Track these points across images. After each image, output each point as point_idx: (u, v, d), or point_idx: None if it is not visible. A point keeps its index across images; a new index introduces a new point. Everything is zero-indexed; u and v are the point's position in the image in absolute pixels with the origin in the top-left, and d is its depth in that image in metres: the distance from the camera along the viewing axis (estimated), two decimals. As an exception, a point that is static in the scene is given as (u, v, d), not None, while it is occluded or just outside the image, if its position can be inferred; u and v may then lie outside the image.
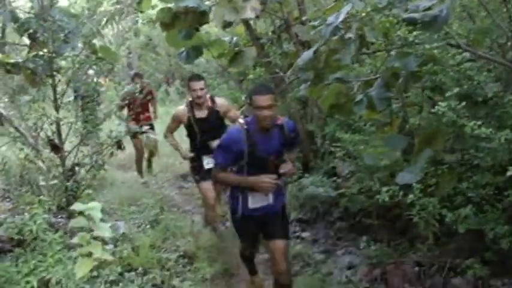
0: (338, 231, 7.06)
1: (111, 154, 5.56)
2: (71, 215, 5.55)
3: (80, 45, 5.06)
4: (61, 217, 6.59)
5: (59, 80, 5.23)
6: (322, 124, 8.66)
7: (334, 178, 7.41)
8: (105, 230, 2.82)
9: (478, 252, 5.05)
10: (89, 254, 2.81)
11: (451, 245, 5.44)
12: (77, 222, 2.79)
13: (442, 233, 5.36)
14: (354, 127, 7.07)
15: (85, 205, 2.77)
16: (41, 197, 5.33)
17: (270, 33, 8.74)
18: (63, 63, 5.12)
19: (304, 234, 7.22)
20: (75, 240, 2.82)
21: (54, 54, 4.96)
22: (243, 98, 11.03)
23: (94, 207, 2.75)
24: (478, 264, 4.87)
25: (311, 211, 7.60)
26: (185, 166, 9.79)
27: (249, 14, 6.63)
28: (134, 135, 8.43)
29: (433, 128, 4.53)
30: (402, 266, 5.52)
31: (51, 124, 5.28)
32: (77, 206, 2.77)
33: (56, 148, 5.29)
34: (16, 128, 5.10)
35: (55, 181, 5.13)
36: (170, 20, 6.73)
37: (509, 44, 4.56)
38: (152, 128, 9.53)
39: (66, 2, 11.80)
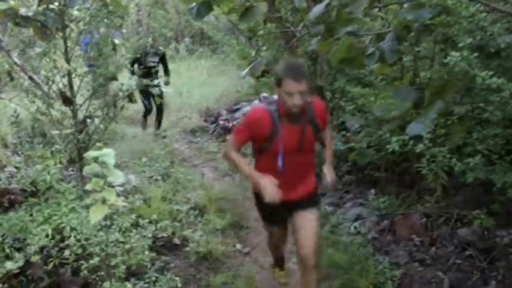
0: (346, 185, 7.12)
1: (123, 107, 5.58)
2: (83, 167, 5.62)
3: (89, -4, 5.02)
4: (72, 170, 6.69)
5: (70, 33, 5.21)
6: (332, 80, 8.65)
7: (344, 132, 7.44)
8: (118, 176, 2.87)
9: (485, 204, 5.13)
10: (103, 200, 2.86)
11: (458, 197, 5.52)
12: (91, 168, 2.83)
13: (449, 185, 5.42)
14: (364, 81, 7.06)
15: (99, 152, 2.81)
16: (53, 148, 5.39)
17: (281, -12, 8.67)
18: (75, 13, 5.08)
19: (313, 188, 7.26)
20: (88, 186, 2.86)
21: (65, 7, 4.94)
22: (253, 54, 11.00)
23: (108, 154, 2.79)
24: (485, 215, 4.94)
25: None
26: (195, 121, 9.87)
27: (260, -33, 6.57)
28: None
29: (444, 80, 4.53)
30: (410, 218, 5.59)
31: (63, 77, 5.28)
32: (90, 153, 2.81)
33: (68, 100, 5.30)
34: (30, 77, 5.11)
35: (68, 131, 5.15)
36: (182, -24, 6.68)
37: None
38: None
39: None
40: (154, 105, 10.05)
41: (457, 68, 3.82)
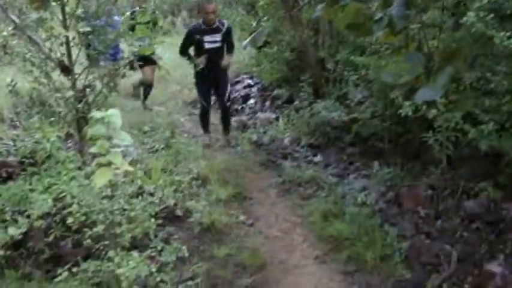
0: (350, 156, 7.03)
1: (124, 75, 5.44)
2: (82, 139, 5.50)
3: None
4: (70, 142, 6.56)
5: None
6: (334, 51, 8.55)
7: (347, 102, 7.35)
8: (125, 138, 2.77)
9: (491, 176, 5.04)
10: (108, 164, 2.76)
11: (464, 169, 5.42)
12: (96, 130, 2.72)
13: (455, 156, 5.33)
14: (369, 51, 6.96)
15: (104, 112, 2.70)
16: (52, 119, 5.27)
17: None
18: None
19: (316, 159, 7.20)
20: (93, 149, 2.75)
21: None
22: (253, 25, 10.87)
23: (114, 114, 2.68)
24: (491, 187, 4.86)
25: (322, 136, 7.56)
26: (195, 92, 9.76)
27: None
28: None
29: (454, 45, 4.43)
30: (415, 189, 5.51)
31: (61, 45, 5.14)
32: (95, 113, 2.70)
33: (66, 70, 5.16)
34: (29, 37, 4.95)
35: (70, 93, 5.01)
36: None
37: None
38: None
39: None
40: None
41: (474, 29, 3.70)
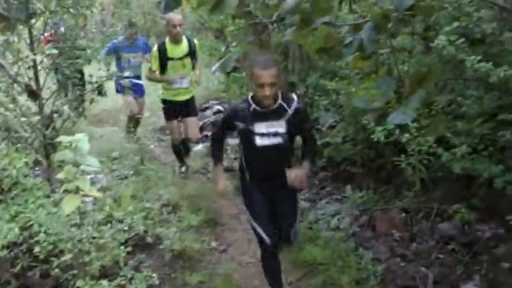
0: (322, 181, 7.00)
1: (92, 101, 5.35)
2: (50, 166, 5.38)
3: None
4: (38, 169, 6.42)
5: (35, 22, 4.98)
6: (305, 75, 8.56)
7: (318, 127, 7.34)
8: (93, 163, 2.68)
9: (465, 198, 5.07)
10: (76, 190, 2.66)
11: (438, 192, 5.44)
12: (63, 155, 2.63)
13: (428, 179, 5.34)
14: (339, 76, 6.98)
15: (71, 137, 2.61)
16: (19, 145, 5.15)
17: (251, -18, 8.53)
18: (39, 5, 4.85)
19: (288, 184, 7.13)
20: (60, 175, 2.66)
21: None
22: (223, 50, 10.87)
23: (81, 139, 2.60)
24: (465, 209, 4.87)
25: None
26: (163, 120, 9.68)
27: (232, -42, 6.42)
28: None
29: (424, 69, 4.44)
30: (389, 213, 5.50)
31: (28, 69, 5.04)
32: (63, 138, 2.61)
33: (34, 94, 5.06)
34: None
35: (36, 118, 4.90)
36: (150, -35, 6.50)
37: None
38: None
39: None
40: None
41: (445, 53, 3.72)
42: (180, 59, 7.18)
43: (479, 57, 3.64)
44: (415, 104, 4.21)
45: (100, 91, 5.43)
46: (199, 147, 8.68)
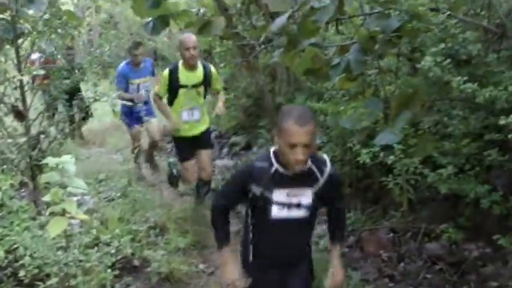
0: (310, 202, 6.97)
1: (83, 119, 5.35)
2: (36, 188, 5.35)
3: (44, 1, 4.77)
4: (23, 191, 6.37)
5: (23, 42, 4.97)
6: (291, 97, 8.59)
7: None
8: (80, 185, 2.66)
9: (452, 218, 5.08)
10: (63, 212, 2.64)
11: (425, 212, 5.45)
12: (49, 176, 2.61)
13: (415, 199, 5.35)
14: (325, 97, 7.01)
15: (58, 158, 2.60)
16: (5, 166, 5.11)
17: (239, 4, 8.59)
18: (26, 25, 4.85)
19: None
20: (47, 197, 2.64)
21: (17, 16, 4.70)
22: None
23: (68, 161, 2.58)
24: (452, 229, 4.87)
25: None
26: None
27: (220, -21, 6.48)
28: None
29: (411, 90, 4.48)
30: (377, 233, 5.50)
31: (15, 89, 5.03)
32: (49, 159, 2.59)
33: (20, 115, 5.05)
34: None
35: (22, 139, 4.88)
36: (137, -13, 6.52)
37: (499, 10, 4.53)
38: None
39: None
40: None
41: (431, 74, 3.75)
42: (194, 87, 6.29)
43: (465, 78, 3.68)
44: (401, 124, 4.24)
45: (87, 112, 5.41)
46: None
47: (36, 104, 5.30)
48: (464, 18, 4.39)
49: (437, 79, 3.90)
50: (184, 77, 6.22)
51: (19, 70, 4.94)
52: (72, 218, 2.68)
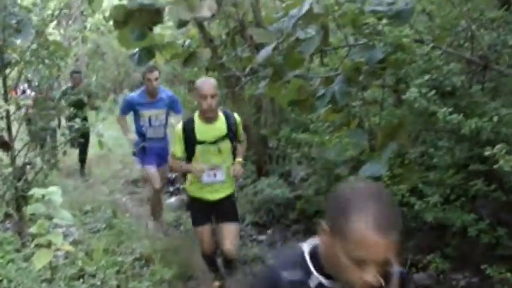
0: (295, 234, 6.96)
1: (65, 153, 5.33)
2: (22, 219, 5.31)
3: (32, 32, 4.77)
4: (9, 223, 6.32)
5: (10, 72, 4.98)
6: (277, 129, 8.63)
7: (291, 179, 7.36)
8: (66, 217, 2.65)
9: (438, 248, 5.09)
10: (49, 244, 2.62)
11: (411, 242, 5.45)
12: (36, 208, 2.60)
13: (402, 230, 5.35)
14: (310, 129, 7.05)
15: (44, 189, 2.59)
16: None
17: (224, 36, 8.68)
18: (14, 55, 4.87)
19: (261, 237, 7.10)
20: (33, 228, 2.62)
21: (5, 43, 4.71)
22: (195, 103, 10.92)
23: (54, 192, 2.57)
24: (439, 259, 4.88)
25: (267, 214, 7.48)
26: (136, 172, 9.63)
27: (205, 12, 6.55)
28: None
29: (396, 122, 4.52)
30: (363, 264, 5.47)
31: (1, 119, 5.01)
32: (36, 190, 2.58)
33: (6, 146, 5.03)
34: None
35: (8, 170, 4.85)
36: (124, 18, 6.58)
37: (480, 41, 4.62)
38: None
39: None
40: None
41: (417, 105, 3.80)
42: (215, 142, 5.01)
43: (450, 109, 3.72)
44: (387, 155, 4.27)
45: (73, 143, 5.40)
46: (171, 200, 8.62)
47: (21, 134, 5.28)
48: (448, 50, 4.47)
49: (423, 110, 3.94)
50: (202, 131, 4.98)
51: (5, 100, 4.94)
52: (57, 249, 2.65)
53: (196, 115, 5.01)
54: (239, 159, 5.19)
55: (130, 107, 6.97)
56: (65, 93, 7.25)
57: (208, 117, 4.92)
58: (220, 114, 5.06)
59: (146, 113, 6.92)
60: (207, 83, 4.87)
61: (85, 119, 8.23)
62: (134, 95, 7.06)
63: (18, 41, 4.79)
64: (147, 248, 6.17)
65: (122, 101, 7.19)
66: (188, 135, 4.99)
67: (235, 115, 5.23)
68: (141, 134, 6.96)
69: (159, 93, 7.00)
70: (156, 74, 6.80)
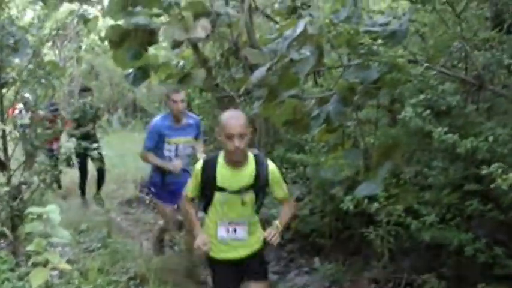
0: (290, 253, 6.96)
1: (60, 172, 5.34)
2: (17, 238, 5.29)
3: (29, 51, 4.80)
4: (3, 242, 6.30)
5: (7, 92, 5.01)
6: (271, 148, 8.64)
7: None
8: (64, 236, 2.65)
9: (434, 268, 5.07)
10: (45, 263, 2.62)
11: (406, 262, 5.44)
12: (33, 226, 2.60)
13: (397, 249, 5.36)
14: (305, 149, 7.08)
15: (42, 208, 2.59)
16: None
17: (218, 57, 8.72)
18: (11, 75, 4.89)
19: (256, 257, 7.08)
20: (30, 247, 2.62)
21: (2, 63, 4.74)
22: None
23: (52, 210, 2.58)
24: (435, 279, 4.87)
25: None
26: (131, 192, 9.62)
27: (200, 33, 6.59)
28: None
29: (391, 141, 4.55)
30: (358, 284, 5.47)
31: (-4, 138, 5.04)
32: (33, 209, 2.59)
33: (2, 165, 5.04)
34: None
35: (4, 189, 4.86)
36: (119, 39, 6.63)
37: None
38: None
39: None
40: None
41: (412, 124, 3.84)
42: (238, 192, 4.01)
43: (445, 129, 3.76)
44: (383, 175, 4.29)
45: (68, 162, 5.41)
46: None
47: (17, 153, 5.29)
48: (442, 70, 4.51)
49: (418, 130, 3.97)
50: (224, 176, 4.02)
51: (2, 120, 4.95)
52: (53, 268, 2.66)
53: (221, 155, 4.04)
54: (278, 222, 4.19)
55: (158, 134, 6.06)
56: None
57: (235, 162, 3.97)
58: (251, 157, 4.07)
59: (174, 140, 6.12)
60: (235, 118, 3.84)
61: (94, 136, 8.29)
62: (157, 120, 6.19)
63: (16, 60, 4.83)
64: (142, 267, 6.15)
65: (147, 133, 6.24)
66: (207, 178, 4.06)
67: (269, 162, 4.22)
68: (158, 168, 6.25)
69: (186, 117, 6.27)
70: (182, 95, 6.04)
